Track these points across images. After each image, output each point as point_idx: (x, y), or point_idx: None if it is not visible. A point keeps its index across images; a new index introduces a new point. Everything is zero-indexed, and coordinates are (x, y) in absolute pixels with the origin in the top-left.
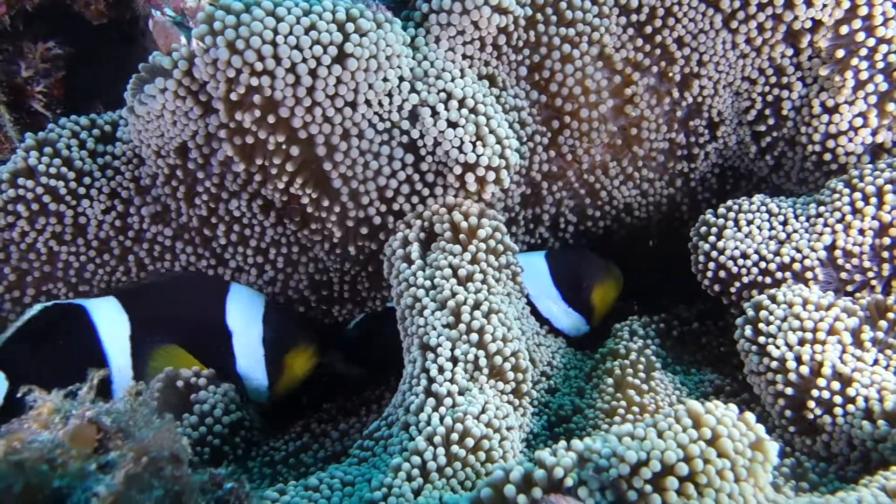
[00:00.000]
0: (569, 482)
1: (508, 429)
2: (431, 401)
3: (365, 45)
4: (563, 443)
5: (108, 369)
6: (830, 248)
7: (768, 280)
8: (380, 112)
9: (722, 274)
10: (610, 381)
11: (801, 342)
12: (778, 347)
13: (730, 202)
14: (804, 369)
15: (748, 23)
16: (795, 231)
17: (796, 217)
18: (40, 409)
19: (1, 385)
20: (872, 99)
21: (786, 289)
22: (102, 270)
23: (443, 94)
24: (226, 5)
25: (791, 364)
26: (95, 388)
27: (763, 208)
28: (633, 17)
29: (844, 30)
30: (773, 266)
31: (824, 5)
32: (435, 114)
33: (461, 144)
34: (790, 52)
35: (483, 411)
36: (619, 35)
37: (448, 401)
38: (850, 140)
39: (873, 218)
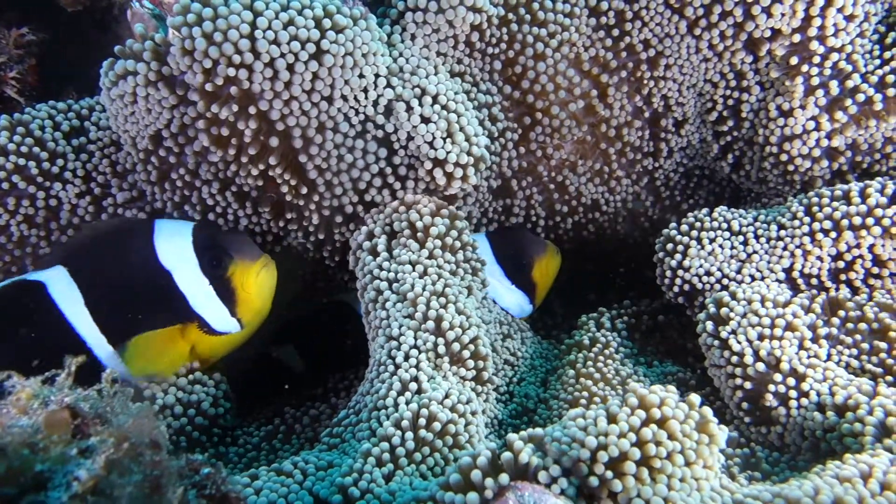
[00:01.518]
0: (533, 468)
1: (472, 413)
2: (398, 386)
3: (341, 41)
4: (528, 431)
5: (84, 342)
6: (789, 269)
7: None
8: (355, 106)
9: (686, 288)
10: (571, 372)
11: (760, 338)
12: (738, 342)
13: (692, 217)
14: (761, 365)
15: (711, 30)
16: (756, 252)
17: (756, 237)
18: (19, 395)
19: None
20: (823, 102)
21: (745, 286)
22: None
23: (417, 90)
24: None
25: (749, 359)
26: (73, 375)
27: (724, 225)
28: (602, 20)
29: (797, 38)
30: (733, 285)
31: (783, 14)
32: (409, 109)
33: (432, 140)
34: (750, 58)
35: (447, 396)
36: (589, 35)
37: (413, 386)
38: (804, 143)
39: (831, 246)
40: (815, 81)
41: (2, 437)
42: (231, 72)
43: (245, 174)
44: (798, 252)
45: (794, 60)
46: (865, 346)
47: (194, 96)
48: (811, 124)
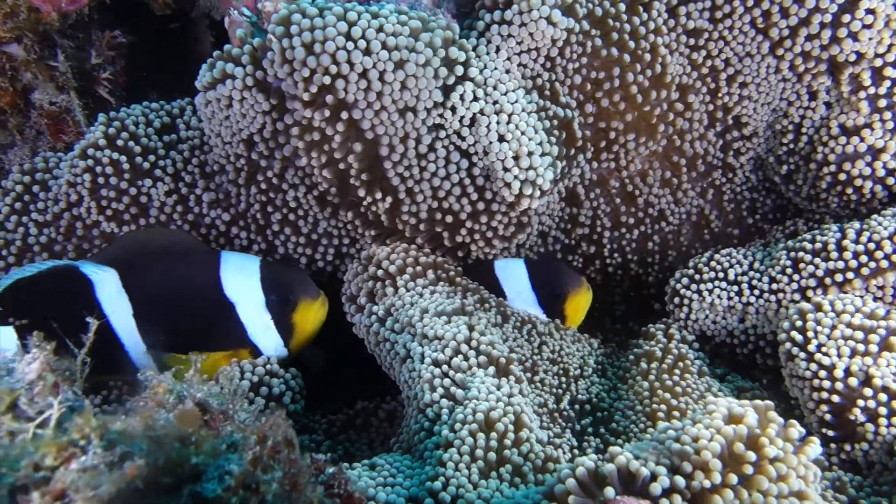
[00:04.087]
0: (640, 481)
1: (524, 415)
2: (441, 391)
3: (429, 53)
4: (632, 444)
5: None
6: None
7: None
8: (441, 113)
9: (699, 334)
10: (646, 384)
11: (853, 353)
12: (828, 356)
13: (691, 268)
14: (853, 381)
15: (794, 51)
16: (750, 304)
17: (751, 288)
18: (156, 389)
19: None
20: (891, 126)
21: (833, 297)
22: None
23: (497, 106)
24: (302, 8)
25: (839, 373)
26: (199, 370)
27: (721, 274)
28: (688, 39)
29: (878, 62)
30: (741, 337)
31: (870, 39)
32: (488, 124)
33: (504, 159)
34: (829, 81)
35: (499, 399)
36: (673, 52)
37: (460, 393)
38: (868, 164)
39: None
40: (883, 103)
41: (157, 431)
42: (327, 80)
43: (329, 178)
44: (792, 308)
45: (866, 81)
46: None
47: (292, 103)
48: (880, 143)
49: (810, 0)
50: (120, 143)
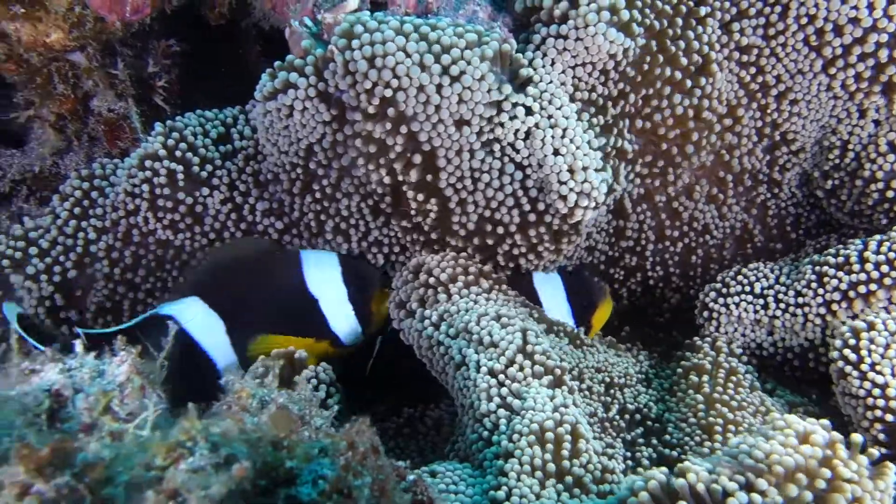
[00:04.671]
0: (719, 496)
1: (578, 423)
2: (497, 400)
3: (485, 66)
4: (704, 459)
5: (217, 368)
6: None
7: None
8: (494, 129)
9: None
10: (699, 397)
11: None
12: (882, 374)
13: (719, 282)
14: None
15: (847, 70)
16: (776, 317)
17: (777, 302)
18: (240, 393)
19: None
20: None
21: (885, 316)
22: None
23: (552, 120)
24: (364, 21)
25: (893, 391)
26: (279, 377)
27: (748, 288)
28: (740, 55)
29: None
30: (769, 349)
31: None
32: (543, 137)
33: (559, 172)
34: (883, 101)
35: (555, 409)
36: (724, 68)
37: (517, 403)
38: None
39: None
40: None
41: (251, 434)
42: (388, 93)
43: (385, 188)
44: (818, 321)
45: None
46: None
47: (352, 115)
48: None
49: (867, 19)
50: (178, 153)
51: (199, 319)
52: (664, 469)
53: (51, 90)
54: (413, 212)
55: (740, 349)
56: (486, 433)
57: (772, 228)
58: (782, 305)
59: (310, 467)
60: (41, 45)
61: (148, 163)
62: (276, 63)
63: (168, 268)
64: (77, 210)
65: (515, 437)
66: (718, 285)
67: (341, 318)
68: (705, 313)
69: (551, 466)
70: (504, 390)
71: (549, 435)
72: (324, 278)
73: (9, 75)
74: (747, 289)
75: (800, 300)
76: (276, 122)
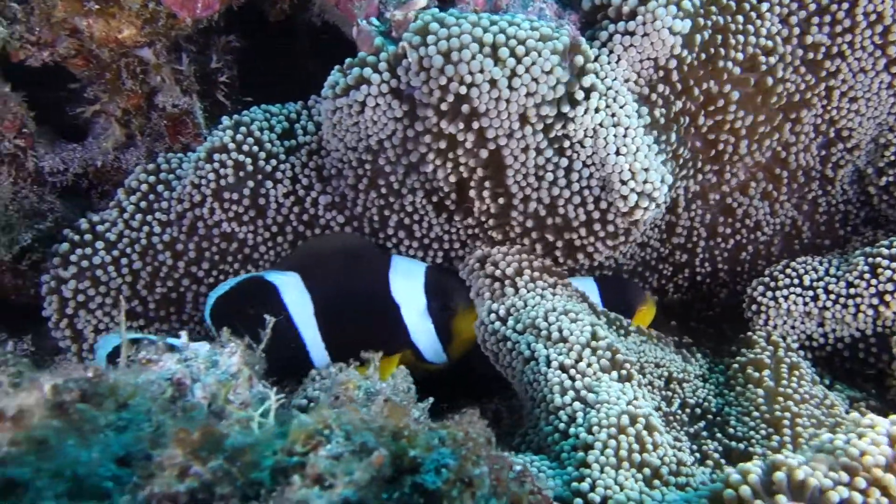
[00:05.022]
0: (813, 490)
1: (650, 415)
2: (580, 395)
3: (555, 59)
4: (798, 453)
5: (304, 343)
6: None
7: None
8: (562, 125)
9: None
10: (760, 391)
11: None
12: None
13: (767, 276)
14: None
15: None
16: (826, 308)
17: (827, 293)
18: (346, 385)
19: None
20: None
21: None
22: (273, 252)
23: (615, 119)
24: (439, 17)
25: None
26: (378, 369)
27: (796, 280)
28: (805, 53)
29: None
30: (820, 340)
31: None
32: (606, 136)
33: (622, 171)
34: None
35: (629, 402)
36: (788, 65)
37: (591, 396)
38: None
39: None
40: None
41: (370, 424)
42: (462, 90)
43: (452, 184)
44: (870, 312)
45: None
46: None
47: (423, 111)
48: None
49: None
50: (246, 147)
51: (294, 295)
52: (758, 462)
53: (119, 86)
54: (476, 209)
55: (796, 343)
56: (562, 425)
57: (820, 225)
58: (833, 296)
59: (431, 456)
60: (113, 40)
61: (216, 156)
62: (348, 60)
63: (230, 260)
64: (143, 203)
65: (595, 429)
66: (767, 279)
67: (421, 330)
68: (753, 307)
69: (636, 457)
70: (578, 384)
71: (628, 427)
72: (406, 286)
73: (77, 71)
74: (796, 281)
75: (851, 291)
76: (345, 119)
